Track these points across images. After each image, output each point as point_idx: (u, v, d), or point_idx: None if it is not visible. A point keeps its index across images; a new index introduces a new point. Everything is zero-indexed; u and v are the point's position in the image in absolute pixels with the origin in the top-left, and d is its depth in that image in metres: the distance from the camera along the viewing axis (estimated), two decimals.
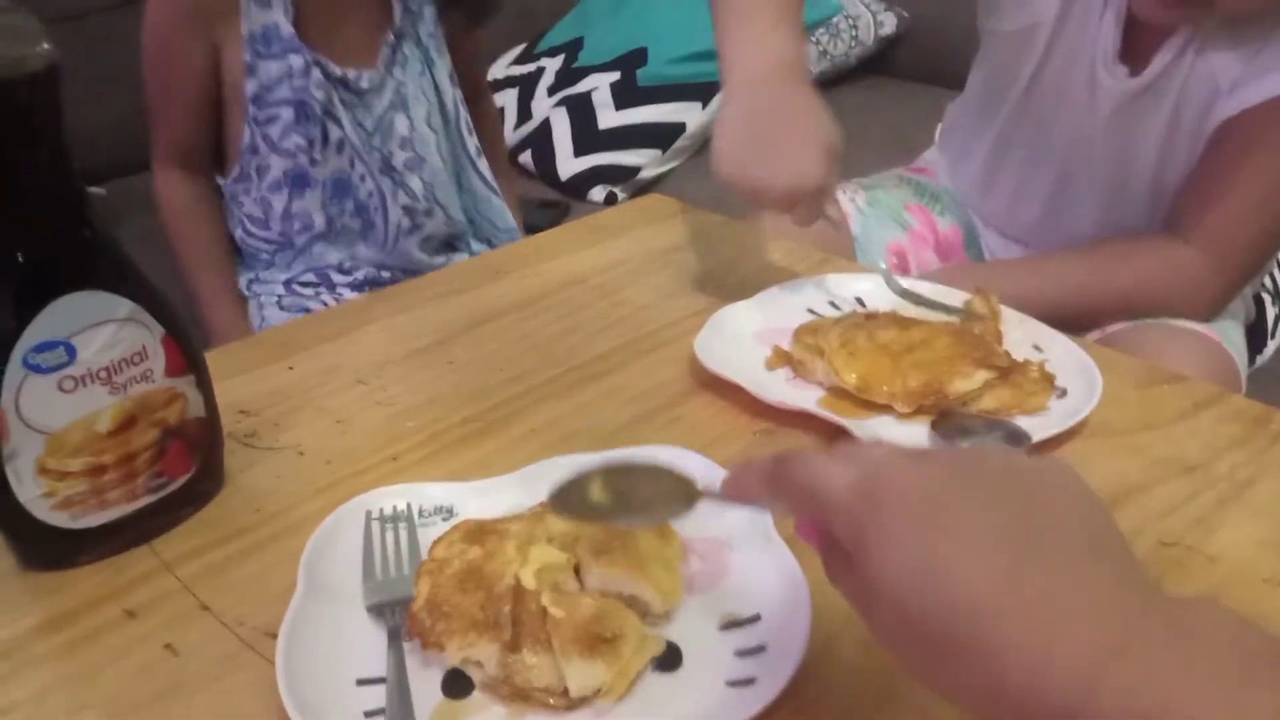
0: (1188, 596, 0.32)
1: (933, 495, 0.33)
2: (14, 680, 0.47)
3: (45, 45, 0.44)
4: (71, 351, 0.48)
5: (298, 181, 1.11)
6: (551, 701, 0.44)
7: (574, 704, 0.44)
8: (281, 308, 1.17)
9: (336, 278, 1.18)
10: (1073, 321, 0.76)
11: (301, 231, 1.15)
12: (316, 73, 1.07)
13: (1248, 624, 0.30)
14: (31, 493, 0.49)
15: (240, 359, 0.72)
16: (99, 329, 0.48)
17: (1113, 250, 0.93)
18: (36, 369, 0.47)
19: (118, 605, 0.51)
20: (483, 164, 1.23)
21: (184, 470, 0.55)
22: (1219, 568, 0.51)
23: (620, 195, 1.64)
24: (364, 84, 1.11)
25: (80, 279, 0.47)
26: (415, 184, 1.17)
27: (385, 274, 1.20)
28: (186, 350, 0.53)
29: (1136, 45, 0.88)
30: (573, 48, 1.82)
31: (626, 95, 1.68)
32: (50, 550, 0.52)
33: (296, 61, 1.06)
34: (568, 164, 1.65)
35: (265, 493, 0.59)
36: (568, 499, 0.44)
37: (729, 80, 0.79)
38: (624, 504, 0.43)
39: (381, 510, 0.54)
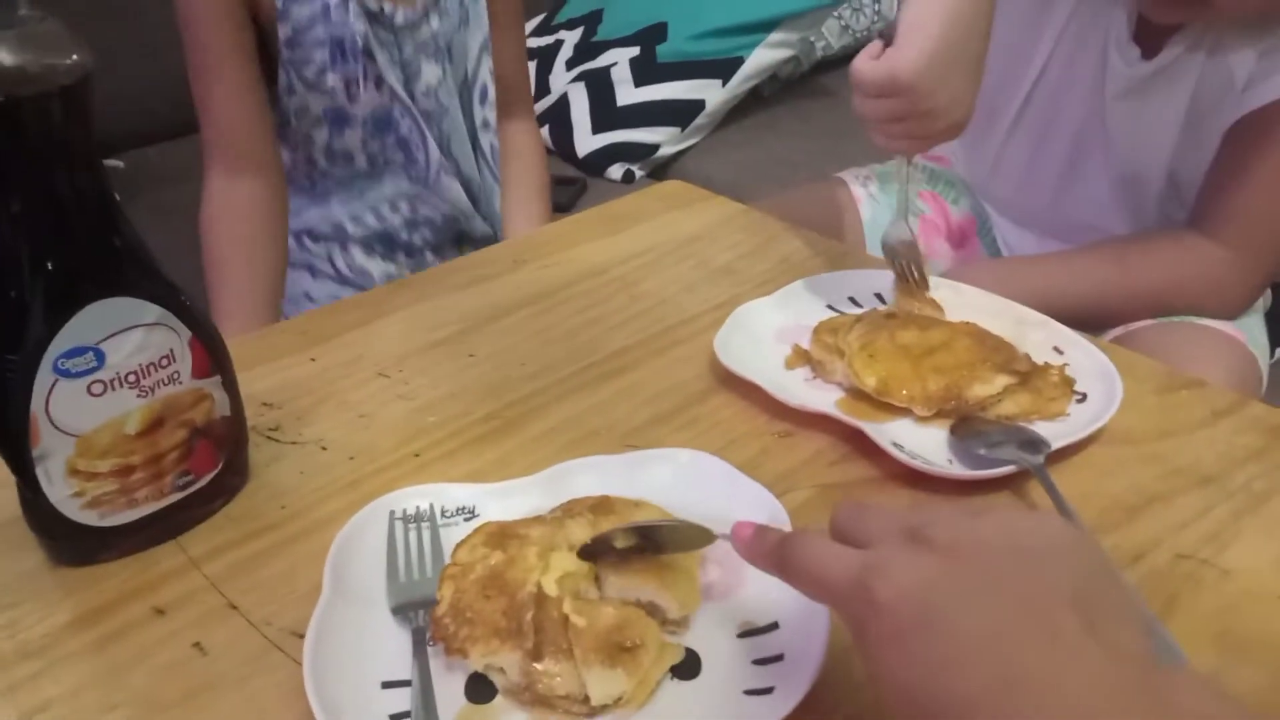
0: (1177, 673, 0.33)
1: (928, 592, 0.34)
2: (48, 677, 0.48)
3: (75, 56, 0.44)
4: (100, 356, 0.48)
5: (337, 119, 1.10)
6: (573, 709, 0.45)
7: (595, 711, 0.45)
8: (290, 264, 1.14)
9: (352, 229, 1.15)
10: (1097, 319, 0.75)
11: (344, 166, 1.13)
12: (354, 5, 1.04)
13: (1227, 700, 0.32)
14: (62, 493, 0.50)
15: (262, 348, 0.72)
16: (128, 334, 0.49)
17: (1141, 248, 0.92)
18: (66, 374, 0.47)
19: (147, 602, 0.52)
20: (484, 139, 1.20)
21: (210, 468, 0.56)
22: (1233, 583, 0.52)
23: (638, 173, 1.64)
24: (399, 19, 1.09)
25: (109, 285, 0.48)
26: (434, 130, 1.15)
27: (405, 234, 1.16)
28: (213, 352, 0.53)
29: (1151, 29, 0.88)
30: (592, 20, 1.80)
31: (646, 72, 1.67)
32: (79, 547, 0.53)
33: None
34: (585, 141, 1.64)
35: (289, 489, 0.60)
36: (595, 550, 0.49)
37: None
38: (647, 547, 0.48)
39: (405, 511, 0.55)
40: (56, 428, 0.48)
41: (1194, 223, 0.90)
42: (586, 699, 0.45)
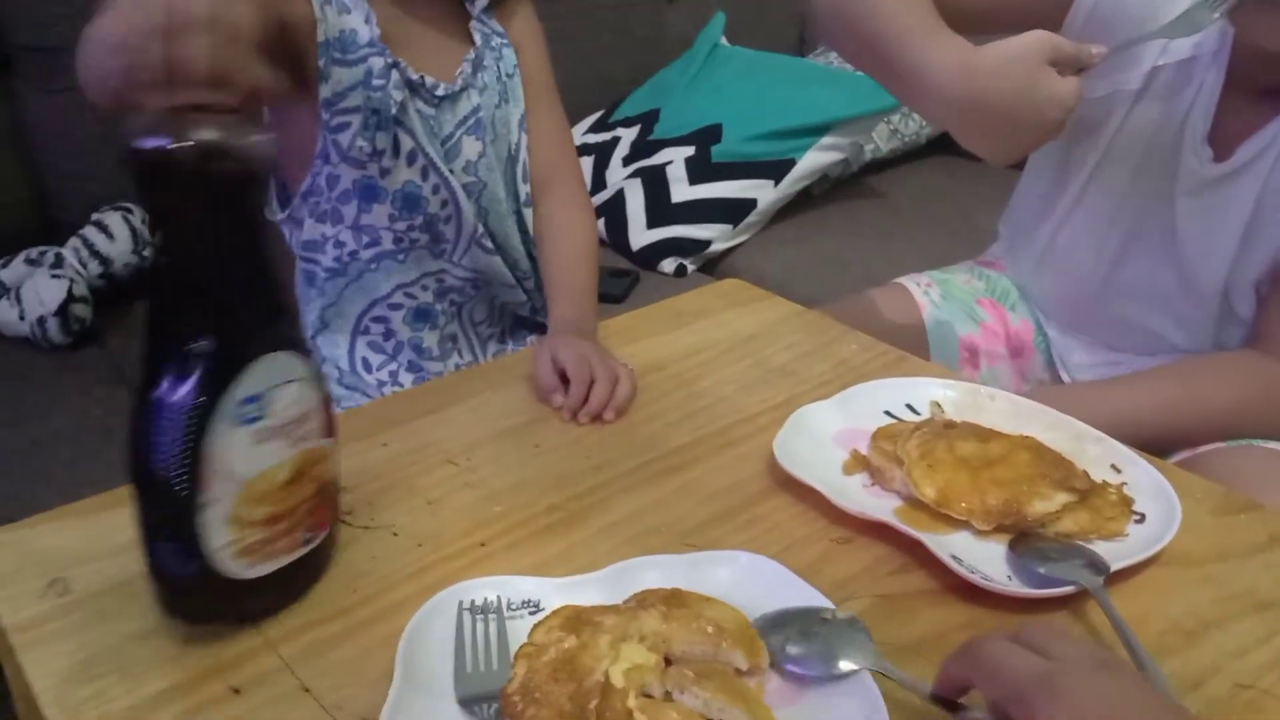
0: None
1: (1107, 704, 0.38)
2: None
3: (261, 135, 0.51)
4: (266, 406, 0.52)
5: (366, 194, 1.08)
6: None
7: None
8: (345, 384, 1.15)
9: (388, 314, 1.15)
10: (1164, 442, 0.75)
11: (369, 247, 1.12)
12: (396, 75, 1.04)
13: None
14: (220, 541, 0.53)
15: None
16: (286, 387, 0.53)
17: (1205, 369, 0.91)
18: (241, 420, 0.51)
19: (225, 681, 0.53)
20: (528, 214, 1.20)
21: (324, 527, 0.59)
22: None
23: (690, 267, 1.68)
24: (440, 92, 1.08)
25: (276, 341, 0.53)
26: (471, 204, 1.14)
27: (438, 305, 1.16)
28: (329, 414, 0.58)
29: (1225, 131, 0.89)
30: (649, 119, 1.86)
31: (700, 170, 1.72)
32: (209, 603, 0.56)
33: (377, 64, 1.03)
34: (640, 235, 1.68)
35: (361, 573, 0.61)
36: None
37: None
38: None
39: (473, 601, 0.56)
40: (227, 473, 0.51)
41: (1255, 341, 0.90)
42: None
